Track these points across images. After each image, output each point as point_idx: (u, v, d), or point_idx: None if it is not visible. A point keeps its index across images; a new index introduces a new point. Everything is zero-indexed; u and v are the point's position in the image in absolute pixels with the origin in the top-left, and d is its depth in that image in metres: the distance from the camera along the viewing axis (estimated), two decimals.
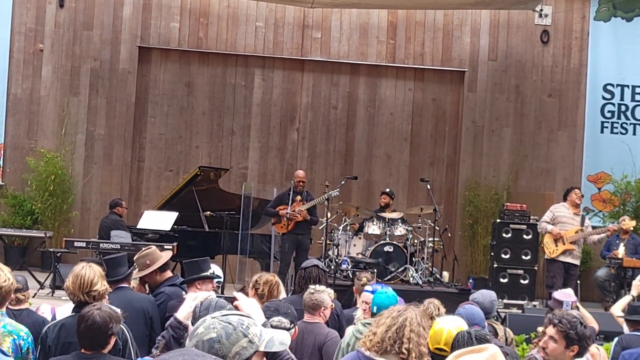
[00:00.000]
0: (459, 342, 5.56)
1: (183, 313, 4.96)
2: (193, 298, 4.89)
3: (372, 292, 7.50)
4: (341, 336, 7.14)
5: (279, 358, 4.62)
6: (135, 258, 7.89)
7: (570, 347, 5.39)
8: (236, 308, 4.49)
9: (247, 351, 3.34)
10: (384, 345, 4.98)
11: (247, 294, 7.67)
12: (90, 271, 6.21)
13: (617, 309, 9.47)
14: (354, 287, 8.82)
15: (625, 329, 8.57)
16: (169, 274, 7.90)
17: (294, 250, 14.30)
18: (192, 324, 4.45)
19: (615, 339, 8.21)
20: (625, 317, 8.38)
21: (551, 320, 5.55)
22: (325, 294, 7.19)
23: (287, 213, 14.13)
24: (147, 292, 7.90)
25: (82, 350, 5.51)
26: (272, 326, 5.43)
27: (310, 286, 7.40)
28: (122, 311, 5.74)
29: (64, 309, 6.77)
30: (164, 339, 5.04)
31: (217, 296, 4.85)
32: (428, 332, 5.15)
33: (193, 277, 7.57)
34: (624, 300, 9.47)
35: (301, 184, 14.53)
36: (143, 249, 8.18)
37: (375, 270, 14.30)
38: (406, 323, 5.01)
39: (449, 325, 5.36)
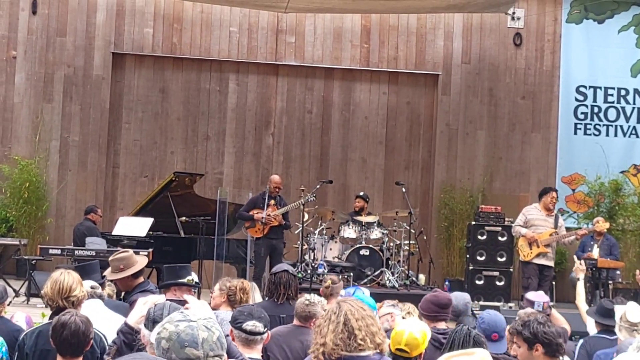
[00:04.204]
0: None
1: (134, 318, 4.88)
2: (144, 302, 4.83)
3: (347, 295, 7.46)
4: None
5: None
6: (110, 259, 7.85)
7: (532, 347, 5.33)
8: None
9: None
10: (339, 350, 4.93)
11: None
12: (69, 277, 6.19)
13: (582, 301, 9.45)
14: (320, 290, 8.78)
15: (589, 327, 8.36)
16: (141, 279, 7.83)
17: (268, 254, 14.29)
18: (145, 326, 4.38)
19: (580, 341, 7.90)
20: (596, 320, 8.00)
21: (510, 329, 5.57)
22: (319, 307, 7.04)
23: (262, 217, 14.11)
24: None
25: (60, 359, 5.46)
26: (246, 331, 5.46)
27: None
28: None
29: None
30: (116, 345, 4.98)
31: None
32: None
33: (169, 282, 7.53)
34: (581, 290, 9.52)
35: (277, 189, 14.50)
36: (119, 251, 8.15)
37: (352, 274, 14.36)
38: (349, 316, 4.96)
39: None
